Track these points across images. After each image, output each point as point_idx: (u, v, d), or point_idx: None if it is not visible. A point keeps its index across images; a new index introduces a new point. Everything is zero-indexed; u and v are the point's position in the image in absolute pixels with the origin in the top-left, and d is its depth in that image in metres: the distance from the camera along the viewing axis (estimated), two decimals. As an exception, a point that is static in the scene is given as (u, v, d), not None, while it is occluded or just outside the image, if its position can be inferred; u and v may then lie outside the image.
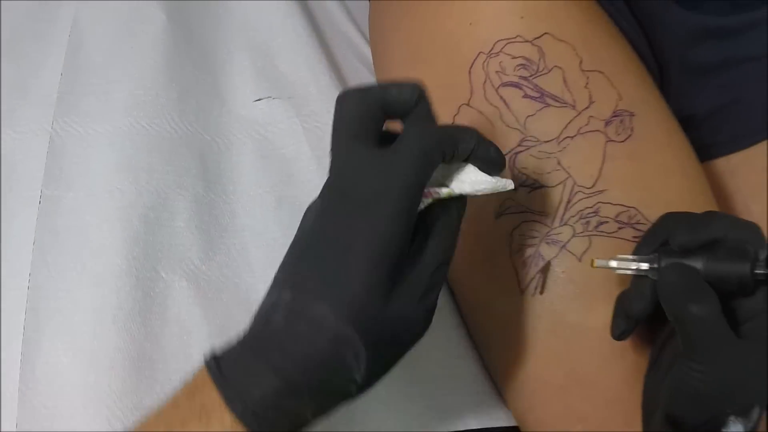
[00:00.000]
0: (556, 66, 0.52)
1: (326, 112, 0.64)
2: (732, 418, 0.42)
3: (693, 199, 0.53)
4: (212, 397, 0.39)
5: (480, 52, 0.53)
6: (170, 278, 0.57)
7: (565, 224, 0.51)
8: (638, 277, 0.47)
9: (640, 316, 0.47)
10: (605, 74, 0.53)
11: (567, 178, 0.51)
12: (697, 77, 0.61)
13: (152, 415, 0.41)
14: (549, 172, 0.52)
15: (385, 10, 0.62)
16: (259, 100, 0.65)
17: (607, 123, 0.52)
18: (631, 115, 0.53)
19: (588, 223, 0.51)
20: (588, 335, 0.50)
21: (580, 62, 0.53)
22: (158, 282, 0.57)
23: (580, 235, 0.51)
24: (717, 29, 0.59)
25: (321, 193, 0.41)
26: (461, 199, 0.43)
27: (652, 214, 0.50)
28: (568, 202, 0.51)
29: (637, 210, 0.51)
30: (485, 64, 0.53)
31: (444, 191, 0.42)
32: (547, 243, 0.51)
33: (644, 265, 0.46)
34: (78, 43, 0.67)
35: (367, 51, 0.71)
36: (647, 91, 0.55)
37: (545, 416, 0.53)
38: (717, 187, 0.62)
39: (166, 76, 0.65)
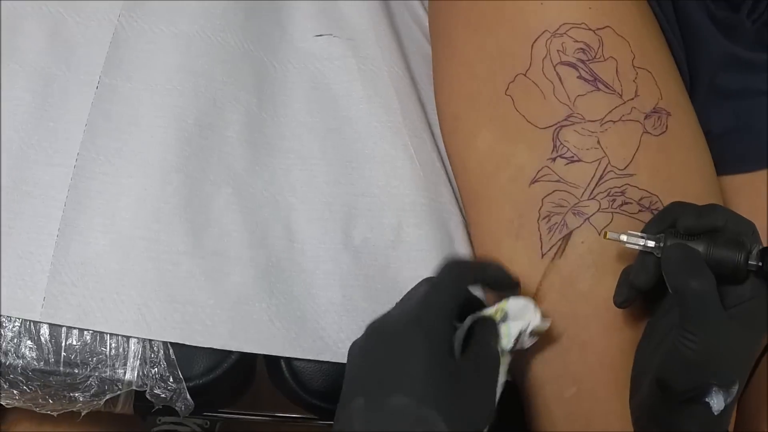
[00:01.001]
0: (611, 57, 0.57)
1: (381, 58, 0.66)
2: (715, 389, 0.47)
3: (707, 199, 0.57)
4: None
5: (546, 30, 0.57)
6: (217, 182, 0.59)
7: (593, 198, 0.55)
8: (644, 253, 0.51)
9: (642, 287, 0.51)
10: (652, 74, 0.58)
11: (603, 157, 0.56)
12: (719, 99, 0.66)
13: None
14: (588, 149, 0.56)
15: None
16: (320, 36, 0.67)
17: (647, 116, 0.57)
18: (668, 114, 0.57)
19: (614, 201, 0.55)
20: (594, 303, 0.55)
21: (633, 58, 0.57)
22: (205, 184, 0.59)
23: (605, 210, 0.55)
24: (746, 61, 0.65)
25: None
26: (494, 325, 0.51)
27: None
28: (600, 178, 0.56)
29: (658, 198, 0.56)
30: (549, 42, 0.57)
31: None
32: (574, 213, 0.56)
33: (651, 243, 0.51)
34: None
35: (420, 12, 0.73)
36: (683, 98, 0.60)
37: (544, 374, 0.56)
38: (722, 202, 0.67)
39: (235, -3, 0.67)
